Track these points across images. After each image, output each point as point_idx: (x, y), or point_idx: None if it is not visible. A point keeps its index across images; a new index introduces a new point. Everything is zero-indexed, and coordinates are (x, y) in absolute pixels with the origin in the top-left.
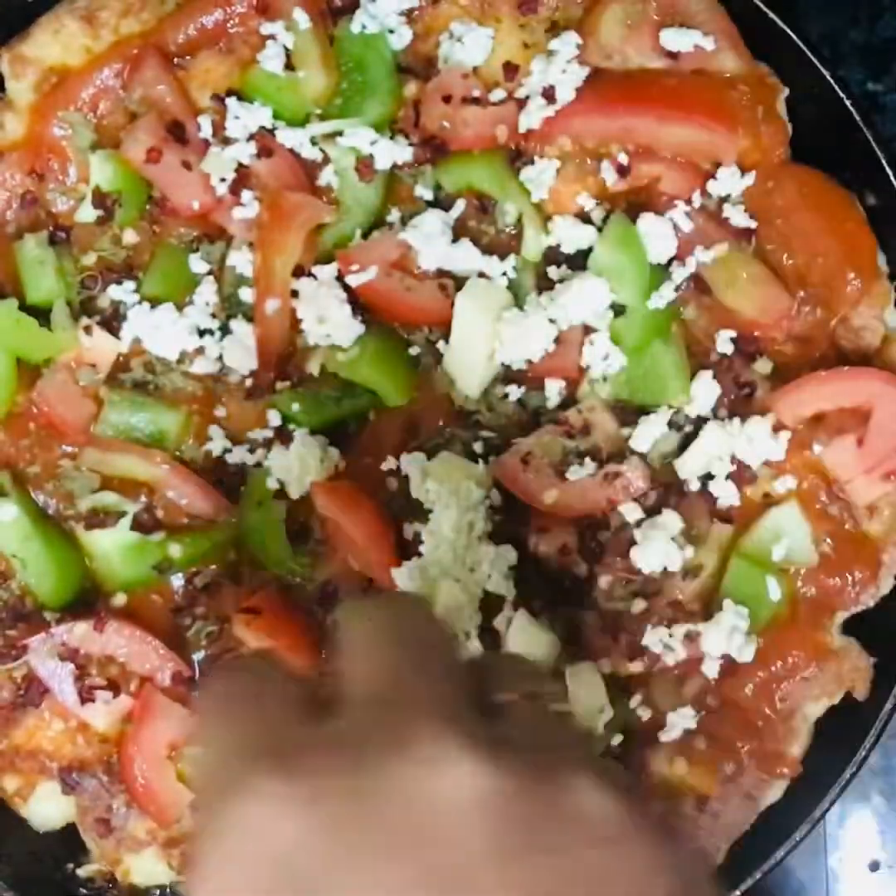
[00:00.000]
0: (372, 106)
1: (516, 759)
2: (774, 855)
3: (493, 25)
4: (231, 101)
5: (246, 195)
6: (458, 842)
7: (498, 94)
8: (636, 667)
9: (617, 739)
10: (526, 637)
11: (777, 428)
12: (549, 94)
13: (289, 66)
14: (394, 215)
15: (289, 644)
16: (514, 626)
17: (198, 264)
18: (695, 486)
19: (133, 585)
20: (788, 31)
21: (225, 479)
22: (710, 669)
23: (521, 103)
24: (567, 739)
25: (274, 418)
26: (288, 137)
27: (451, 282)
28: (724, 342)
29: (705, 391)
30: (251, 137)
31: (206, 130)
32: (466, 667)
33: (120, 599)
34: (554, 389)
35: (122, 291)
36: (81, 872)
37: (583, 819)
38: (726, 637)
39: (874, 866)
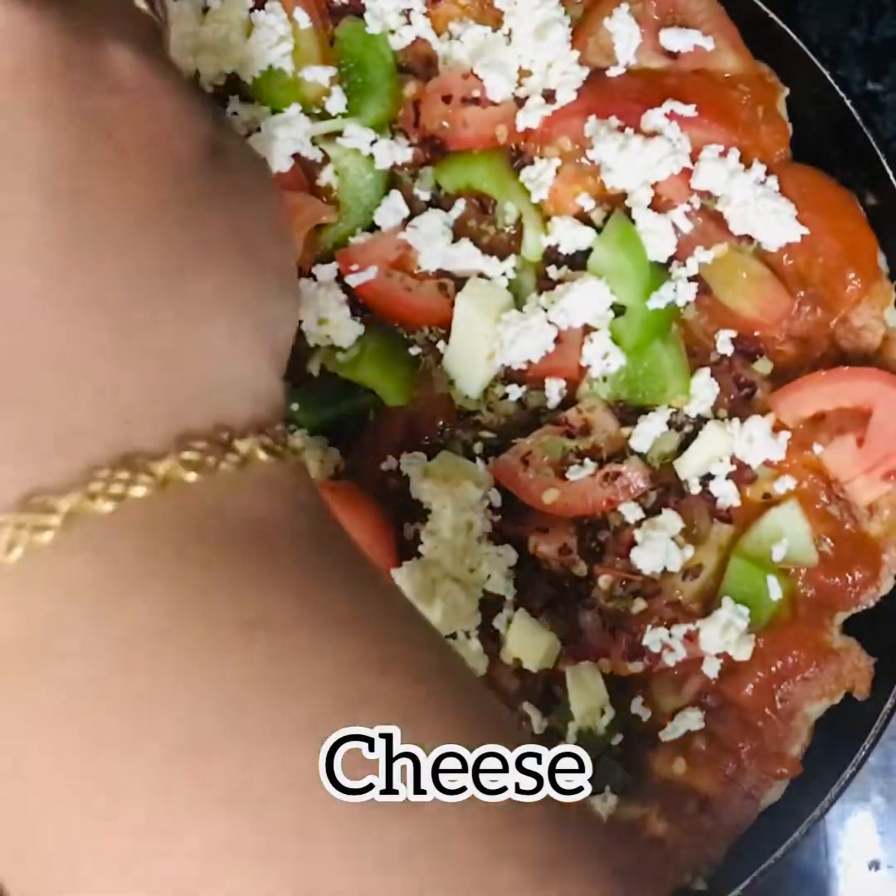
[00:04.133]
0: (372, 106)
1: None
2: (774, 855)
3: (492, 25)
4: (231, 100)
5: None
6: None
7: (498, 94)
8: (636, 667)
9: (617, 739)
10: (526, 637)
11: (777, 428)
12: (548, 95)
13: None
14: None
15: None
16: (514, 626)
17: None
18: (695, 486)
19: None
20: (788, 31)
21: None
22: (710, 669)
23: (521, 103)
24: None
25: None
26: (288, 137)
27: (451, 282)
28: (724, 342)
29: (705, 391)
30: (247, 135)
31: None
32: None
33: None
34: (554, 389)
35: None
36: None
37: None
38: (722, 633)
39: (874, 866)
